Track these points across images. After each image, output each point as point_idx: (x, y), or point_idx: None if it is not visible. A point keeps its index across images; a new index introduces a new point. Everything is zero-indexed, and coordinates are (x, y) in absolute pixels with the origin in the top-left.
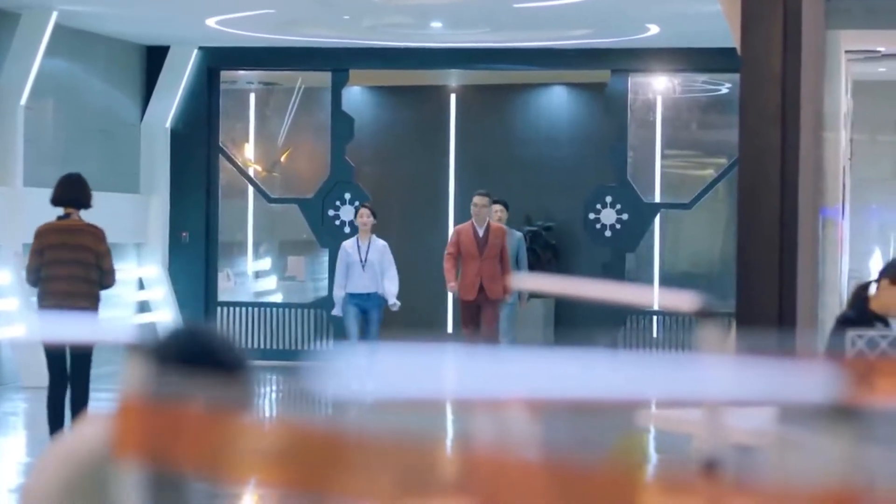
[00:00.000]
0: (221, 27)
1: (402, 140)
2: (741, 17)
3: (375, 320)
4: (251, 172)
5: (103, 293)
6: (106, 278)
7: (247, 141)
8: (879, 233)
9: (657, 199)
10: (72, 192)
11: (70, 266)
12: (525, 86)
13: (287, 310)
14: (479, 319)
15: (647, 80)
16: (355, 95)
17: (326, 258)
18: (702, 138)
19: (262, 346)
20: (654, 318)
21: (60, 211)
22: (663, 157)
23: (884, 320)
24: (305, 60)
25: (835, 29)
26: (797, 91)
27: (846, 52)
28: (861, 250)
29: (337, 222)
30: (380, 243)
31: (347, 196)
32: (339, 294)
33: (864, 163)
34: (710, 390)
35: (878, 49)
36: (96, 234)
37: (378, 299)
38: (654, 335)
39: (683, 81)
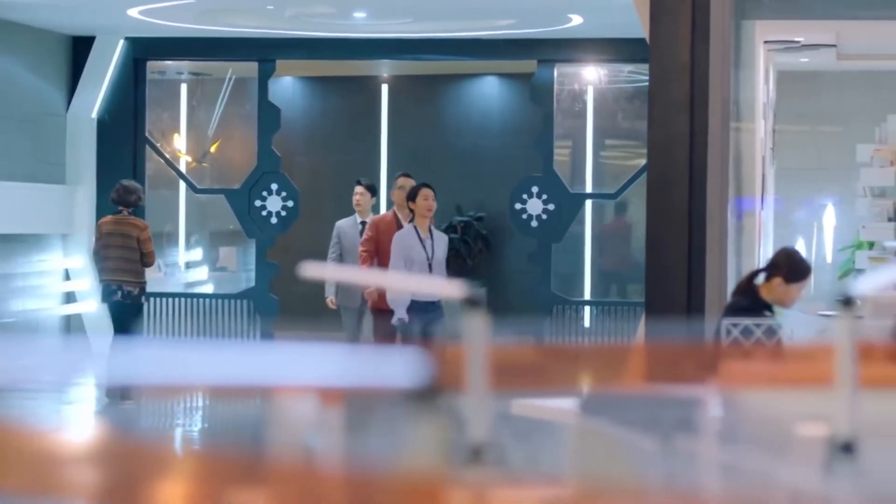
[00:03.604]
0: (144, 17)
1: (335, 130)
2: (650, 7)
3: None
4: (182, 163)
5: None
6: (146, 259)
7: (177, 131)
8: (804, 222)
9: (589, 189)
10: (121, 195)
11: (117, 249)
12: (456, 76)
13: (217, 300)
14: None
15: (574, 71)
16: (287, 86)
17: (254, 249)
18: (636, 128)
19: (192, 337)
20: (587, 307)
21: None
22: (600, 147)
23: (772, 308)
24: (232, 51)
25: (751, 19)
26: (706, 81)
27: (765, 42)
28: (785, 239)
29: (264, 213)
30: (443, 235)
31: (274, 187)
32: (402, 299)
33: (788, 152)
34: (301, 376)
35: (798, 39)
36: (139, 225)
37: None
38: (585, 324)
39: (613, 72)
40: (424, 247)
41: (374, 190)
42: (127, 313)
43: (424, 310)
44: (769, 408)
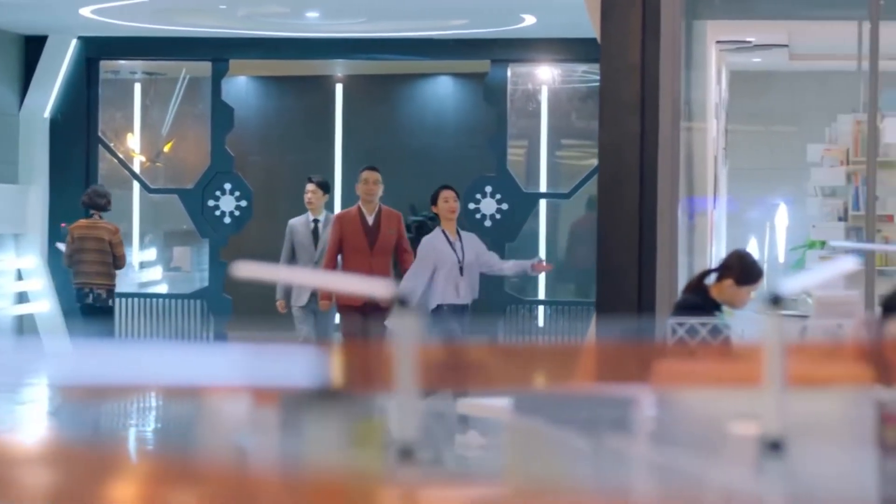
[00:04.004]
0: (97, 16)
1: (289, 130)
2: (600, 7)
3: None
4: (136, 163)
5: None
6: (118, 262)
7: (131, 131)
8: (756, 222)
9: (543, 189)
10: (92, 199)
11: (92, 253)
12: (410, 76)
13: (171, 300)
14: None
15: (527, 71)
16: (240, 85)
17: (208, 248)
18: (590, 128)
19: (146, 337)
20: (540, 307)
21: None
22: (554, 146)
23: (721, 307)
24: (185, 50)
25: (702, 19)
26: (656, 81)
27: (717, 42)
28: (737, 239)
29: (217, 213)
30: (474, 237)
31: (227, 186)
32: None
33: (741, 152)
34: (205, 375)
35: (749, 39)
36: (110, 229)
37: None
38: (539, 324)
39: (567, 71)
40: (454, 249)
41: (326, 187)
42: (94, 316)
43: (453, 312)
44: (704, 407)
